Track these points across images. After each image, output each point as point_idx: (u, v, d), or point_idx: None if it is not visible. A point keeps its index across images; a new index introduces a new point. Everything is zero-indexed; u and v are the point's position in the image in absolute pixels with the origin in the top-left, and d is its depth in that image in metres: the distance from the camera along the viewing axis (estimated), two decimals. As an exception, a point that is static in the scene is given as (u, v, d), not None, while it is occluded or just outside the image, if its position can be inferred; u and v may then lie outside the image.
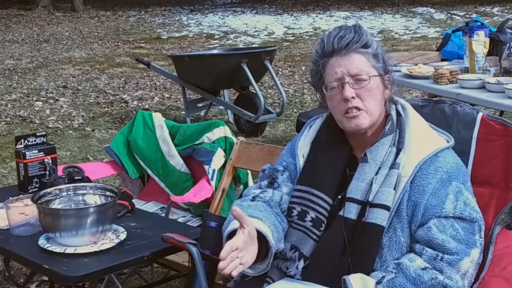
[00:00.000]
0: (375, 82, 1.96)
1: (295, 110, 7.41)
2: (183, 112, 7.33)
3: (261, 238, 1.90)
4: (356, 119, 1.95)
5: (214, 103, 6.91)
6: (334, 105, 1.98)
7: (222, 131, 3.25)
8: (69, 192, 2.49)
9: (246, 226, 1.83)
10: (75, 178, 2.74)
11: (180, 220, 3.11)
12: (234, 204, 2.02)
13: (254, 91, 6.47)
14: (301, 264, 1.98)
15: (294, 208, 2.02)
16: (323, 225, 1.98)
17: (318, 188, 2.00)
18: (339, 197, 2.00)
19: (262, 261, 1.95)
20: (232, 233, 1.89)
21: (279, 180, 2.10)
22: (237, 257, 1.79)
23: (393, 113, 2.01)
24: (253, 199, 2.07)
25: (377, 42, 2.00)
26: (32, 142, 2.85)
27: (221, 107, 7.17)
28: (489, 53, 4.25)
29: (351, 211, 1.94)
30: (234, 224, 1.90)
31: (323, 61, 1.98)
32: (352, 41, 1.94)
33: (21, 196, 2.57)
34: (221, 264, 1.76)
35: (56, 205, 2.42)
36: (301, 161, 2.09)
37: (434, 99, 2.26)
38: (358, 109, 1.94)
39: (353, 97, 1.93)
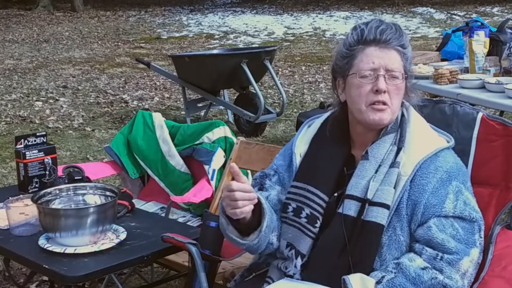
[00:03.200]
0: (404, 83, 1.97)
1: (295, 110, 7.41)
2: (183, 112, 7.33)
3: (255, 210, 1.94)
4: (381, 113, 1.94)
5: (214, 103, 6.91)
6: (361, 93, 1.96)
7: (222, 131, 3.26)
8: (69, 192, 2.49)
9: (242, 182, 1.88)
10: (75, 178, 2.74)
11: (180, 220, 3.11)
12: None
13: (254, 91, 6.47)
14: (298, 262, 1.98)
15: (289, 204, 2.03)
16: (318, 222, 1.98)
17: (313, 185, 2.00)
18: (335, 194, 2.00)
19: (253, 233, 1.96)
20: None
21: (266, 185, 2.14)
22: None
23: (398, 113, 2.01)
24: None
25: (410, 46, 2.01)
26: (32, 142, 2.85)
27: (221, 107, 7.17)
28: (489, 53, 4.25)
29: (350, 208, 1.94)
30: None
31: (360, 47, 1.96)
32: (394, 38, 1.94)
33: (21, 196, 2.57)
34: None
35: (56, 205, 2.42)
36: (297, 160, 2.09)
37: (434, 99, 2.26)
38: (384, 104, 1.94)
39: (384, 91, 1.93)
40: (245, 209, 1.87)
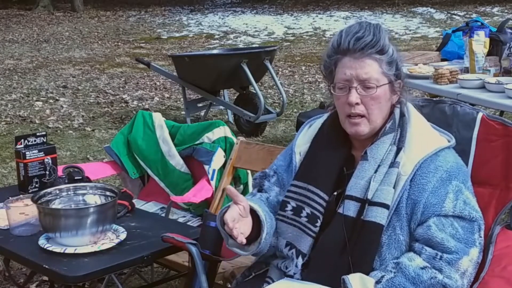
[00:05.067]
0: (382, 90, 1.95)
1: (295, 110, 7.41)
2: (183, 112, 7.33)
3: (254, 220, 1.97)
4: (356, 126, 1.96)
5: (214, 103, 6.91)
6: (339, 105, 2.00)
7: (222, 131, 3.25)
8: (69, 192, 2.49)
9: (240, 202, 1.92)
10: (75, 178, 2.74)
11: (180, 220, 3.11)
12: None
13: (254, 91, 6.47)
14: (299, 261, 1.98)
15: (288, 203, 2.03)
16: (319, 221, 1.99)
17: (314, 184, 2.01)
18: (335, 194, 2.00)
19: (254, 242, 1.99)
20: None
21: (265, 186, 2.16)
22: (235, 227, 1.87)
23: (397, 112, 2.01)
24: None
25: (393, 46, 1.98)
26: (32, 142, 2.85)
27: (221, 107, 7.17)
28: (489, 53, 4.25)
29: (350, 209, 1.94)
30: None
31: (336, 58, 1.98)
32: (369, 45, 1.92)
33: (21, 196, 2.57)
34: (234, 232, 1.86)
35: (56, 205, 2.42)
36: (297, 159, 2.10)
37: (434, 99, 2.26)
38: (360, 116, 1.94)
39: (357, 103, 1.93)
40: (240, 235, 1.88)
